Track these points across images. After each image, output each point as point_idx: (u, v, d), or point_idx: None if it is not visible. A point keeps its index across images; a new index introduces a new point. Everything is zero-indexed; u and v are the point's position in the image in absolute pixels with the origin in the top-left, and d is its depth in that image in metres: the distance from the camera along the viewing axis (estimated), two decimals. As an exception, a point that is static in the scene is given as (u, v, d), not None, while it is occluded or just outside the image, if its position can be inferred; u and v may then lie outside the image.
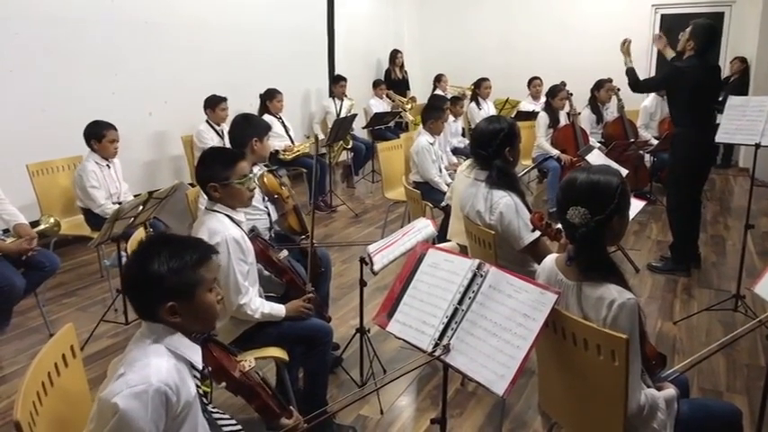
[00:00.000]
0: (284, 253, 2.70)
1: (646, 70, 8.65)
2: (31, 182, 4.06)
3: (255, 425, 1.78)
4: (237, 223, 2.40)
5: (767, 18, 7.44)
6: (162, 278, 1.44)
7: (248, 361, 1.78)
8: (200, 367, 1.52)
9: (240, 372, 1.73)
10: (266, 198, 3.11)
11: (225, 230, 2.31)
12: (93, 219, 4.04)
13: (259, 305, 2.40)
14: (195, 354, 1.52)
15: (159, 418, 1.37)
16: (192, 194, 3.36)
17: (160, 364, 1.41)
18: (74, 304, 4.00)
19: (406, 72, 9.07)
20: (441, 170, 4.93)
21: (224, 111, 5.52)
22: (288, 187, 3.31)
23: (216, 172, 2.37)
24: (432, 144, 4.86)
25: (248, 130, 3.08)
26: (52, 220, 3.63)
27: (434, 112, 4.93)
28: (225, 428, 1.56)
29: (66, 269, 4.39)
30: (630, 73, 4.45)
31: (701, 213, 4.51)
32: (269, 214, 3.12)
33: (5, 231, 3.39)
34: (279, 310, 2.46)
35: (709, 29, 4.10)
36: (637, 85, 4.47)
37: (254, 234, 2.56)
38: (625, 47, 4.52)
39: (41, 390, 1.51)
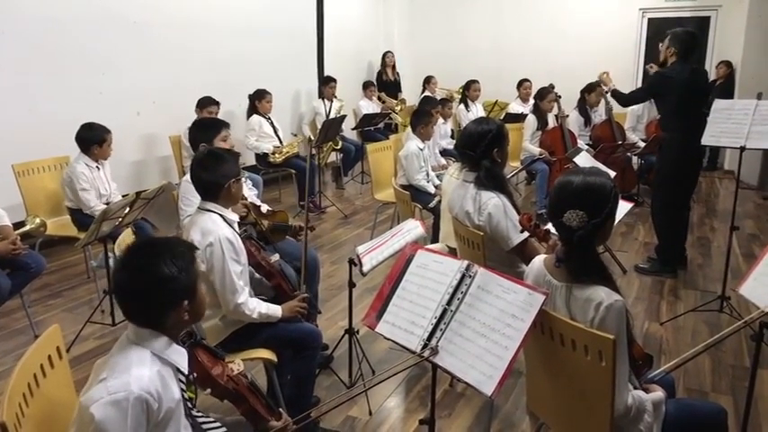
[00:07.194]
0: (276, 257, 2.68)
1: (633, 74, 8.73)
2: (16, 182, 4.02)
3: (245, 426, 1.77)
4: (230, 223, 2.40)
5: (752, 23, 7.54)
6: (176, 279, 1.46)
7: (236, 364, 1.76)
8: (187, 372, 1.51)
9: (228, 376, 1.70)
10: None
11: (218, 230, 2.30)
12: (81, 219, 4.01)
13: (256, 305, 2.38)
14: (182, 358, 1.51)
15: (139, 425, 1.36)
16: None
17: (142, 371, 1.40)
18: (60, 305, 3.96)
19: (398, 73, 9.07)
20: (428, 175, 4.89)
21: (213, 114, 5.48)
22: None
23: (231, 169, 2.40)
24: (421, 150, 4.80)
25: (203, 136, 3.08)
26: (38, 220, 3.59)
27: (424, 118, 4.85)
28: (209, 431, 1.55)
29: (52, 270, 4.35)
30: (615, 94, 4.61)
31: (688, 216, 4.54)
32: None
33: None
34: (275, 310, 2.44)
35: (688, 34, 4.17)
36: (626, 101, 4.58)
37: (246, 235, 2.54)
38: (605, 76, 4.77)
39: (27, 391, 1.49)
